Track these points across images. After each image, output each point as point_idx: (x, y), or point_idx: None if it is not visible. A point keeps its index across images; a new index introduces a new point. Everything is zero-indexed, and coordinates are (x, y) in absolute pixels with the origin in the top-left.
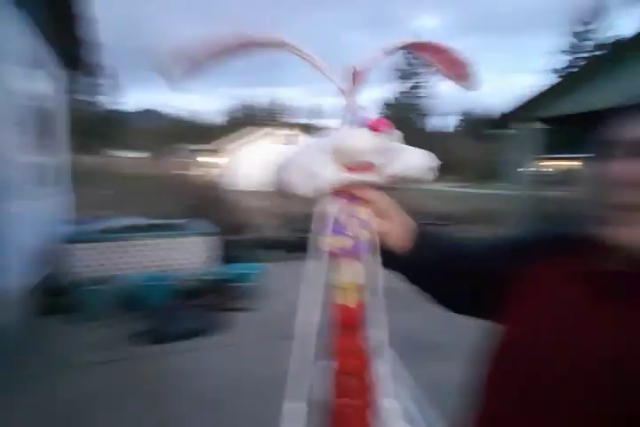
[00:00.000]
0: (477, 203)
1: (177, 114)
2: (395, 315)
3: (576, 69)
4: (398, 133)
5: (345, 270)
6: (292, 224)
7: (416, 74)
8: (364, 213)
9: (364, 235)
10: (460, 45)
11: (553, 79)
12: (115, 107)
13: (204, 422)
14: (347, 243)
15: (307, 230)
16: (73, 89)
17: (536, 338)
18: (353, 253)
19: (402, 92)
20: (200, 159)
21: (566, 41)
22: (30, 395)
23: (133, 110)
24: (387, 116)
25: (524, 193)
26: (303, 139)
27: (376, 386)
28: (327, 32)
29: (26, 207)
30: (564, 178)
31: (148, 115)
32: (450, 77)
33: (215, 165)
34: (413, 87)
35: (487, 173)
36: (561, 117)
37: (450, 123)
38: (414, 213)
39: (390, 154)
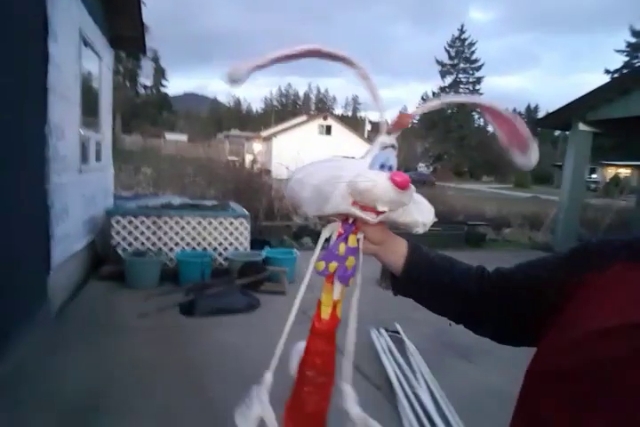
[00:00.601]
0: (517, 206)
1: (217, 99)
2: (426, 313)
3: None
4: (414, 190)
5: (326, 289)
6: None
7: (457, 69)
8: (354, 240)
9: (351, 261)
10: (511, 41)
11: (605, 80)
12: (157, 89)
13: (233, 392)
14: (332, 267)
15: (335, 221)
16: (117, 69)
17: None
18: (338, 277)
19: (442, 88)
20: (237, 144)
21: (623, 40)
22: (75, 355)
23: (174, 93)
24: (425, 112)
25: (567, 198)
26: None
27: (332, 382)
28: (375, 25)
29: (74, 179)
30: (611, 185)
31: (189, 98)
32: (508, 146)
33: (251, 151)
34: (454, 83)
35: (530, 175)
36: (610, 121)
37: None
38: (452, 213)
39: (399, 208)
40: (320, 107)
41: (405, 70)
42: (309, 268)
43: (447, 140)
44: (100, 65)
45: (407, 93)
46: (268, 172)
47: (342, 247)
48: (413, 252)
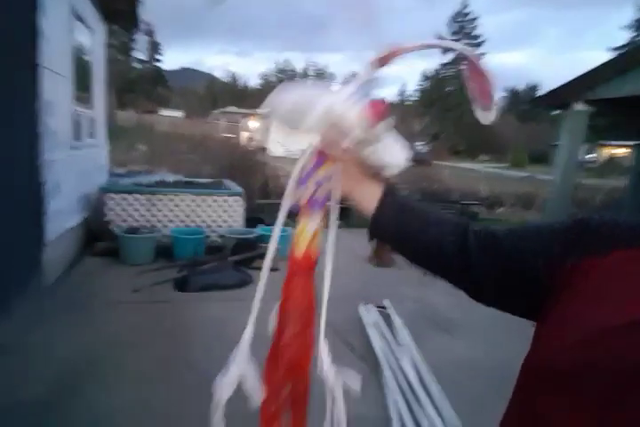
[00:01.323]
0: (511, 185)
1: (213, 74)
2: (413, 290)
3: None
4: (391, 122)
5: (303, 219)
6: None
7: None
8: (324, 171)
9: (320, 192)
10: (513, 16)
11: (607, 57)
12: (152, 64)
13: (218, 360)
14: (303, 197)
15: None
16: (111, 44)
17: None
18: (313, 202)
19: (443, 64)
20: (233, 121)
21: (628, 17)
22: (69, 327)
23: (170, 68)
24: (425, 90)
25: (559, 178)
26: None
27: (313, 327)
28: None
29: (66, 156)
30: (606, 165)
31: (185, 74)
32: (474, 98)
33: (247, 129)
34: (455, 60)
35: (527, 154)
36: (608, 101)
37: None
38: (447, 192)
39: (370, 145)
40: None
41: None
42: (280, 215)
43: (445, 118)
44: (92, 39)
45: (407, 70)
46: (265, 149)
47: (315, 175)
48: (387, 195)
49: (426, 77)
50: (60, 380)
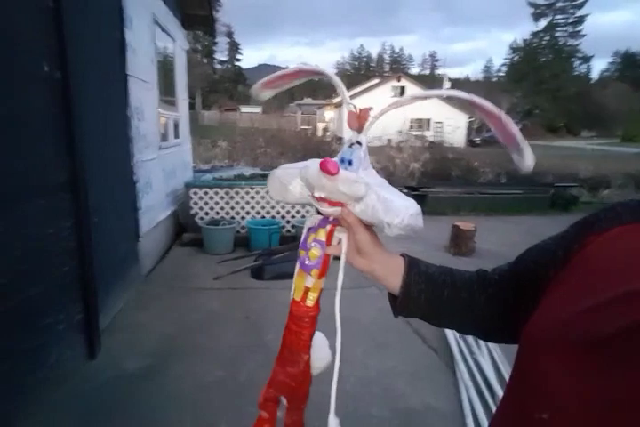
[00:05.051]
0: (623, 163)
1: (288, 68)
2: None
3: None
4: (348, 178)
5: (299, 273)
6: (394, 183)
7: (554, 9)
8: (322, 233)
9: (314, 253)
10: None
11: None
12: (233, 64)
13: None
14: (302, 254)
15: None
16: (196, 49)
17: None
18: (300, 264)
19: (534, 33)
20: (309, 113)
21: None
22: (162, 311)
23: (249, 66)
24: (514, 63)
25: None
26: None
27: (302, 366)
28: None
29: (155, 156)
30: None
31: (263, 70)
32: (504, 144)
33: (323, 119)
34: (549, 26)
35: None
36: None
37: (596, 67)
38: (538, 174)
39: (345, 198)
40: (395, 67)
41: (485, 17)
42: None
43: (539, 92)
44: (174, 46)
45: (489, 44)
46: (340, 139)
47: (310, 238)
48: (411, 269)
49: (514, 50)
50: (156, 355)
